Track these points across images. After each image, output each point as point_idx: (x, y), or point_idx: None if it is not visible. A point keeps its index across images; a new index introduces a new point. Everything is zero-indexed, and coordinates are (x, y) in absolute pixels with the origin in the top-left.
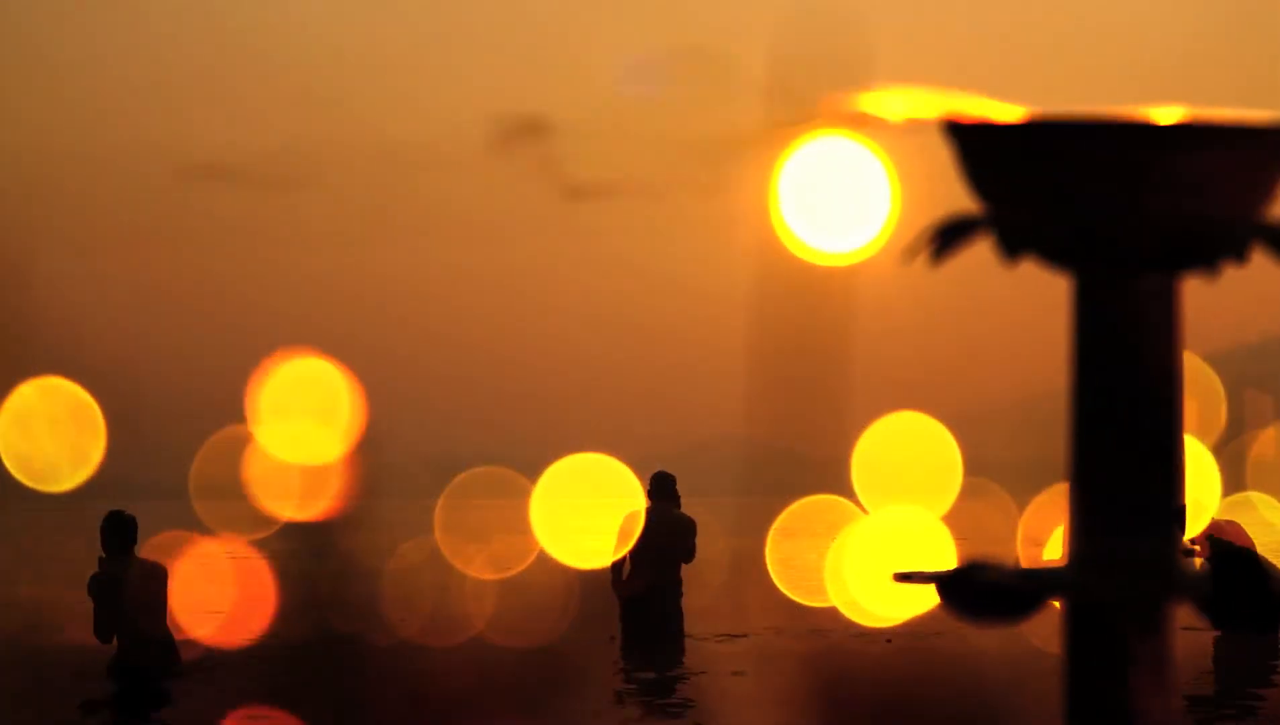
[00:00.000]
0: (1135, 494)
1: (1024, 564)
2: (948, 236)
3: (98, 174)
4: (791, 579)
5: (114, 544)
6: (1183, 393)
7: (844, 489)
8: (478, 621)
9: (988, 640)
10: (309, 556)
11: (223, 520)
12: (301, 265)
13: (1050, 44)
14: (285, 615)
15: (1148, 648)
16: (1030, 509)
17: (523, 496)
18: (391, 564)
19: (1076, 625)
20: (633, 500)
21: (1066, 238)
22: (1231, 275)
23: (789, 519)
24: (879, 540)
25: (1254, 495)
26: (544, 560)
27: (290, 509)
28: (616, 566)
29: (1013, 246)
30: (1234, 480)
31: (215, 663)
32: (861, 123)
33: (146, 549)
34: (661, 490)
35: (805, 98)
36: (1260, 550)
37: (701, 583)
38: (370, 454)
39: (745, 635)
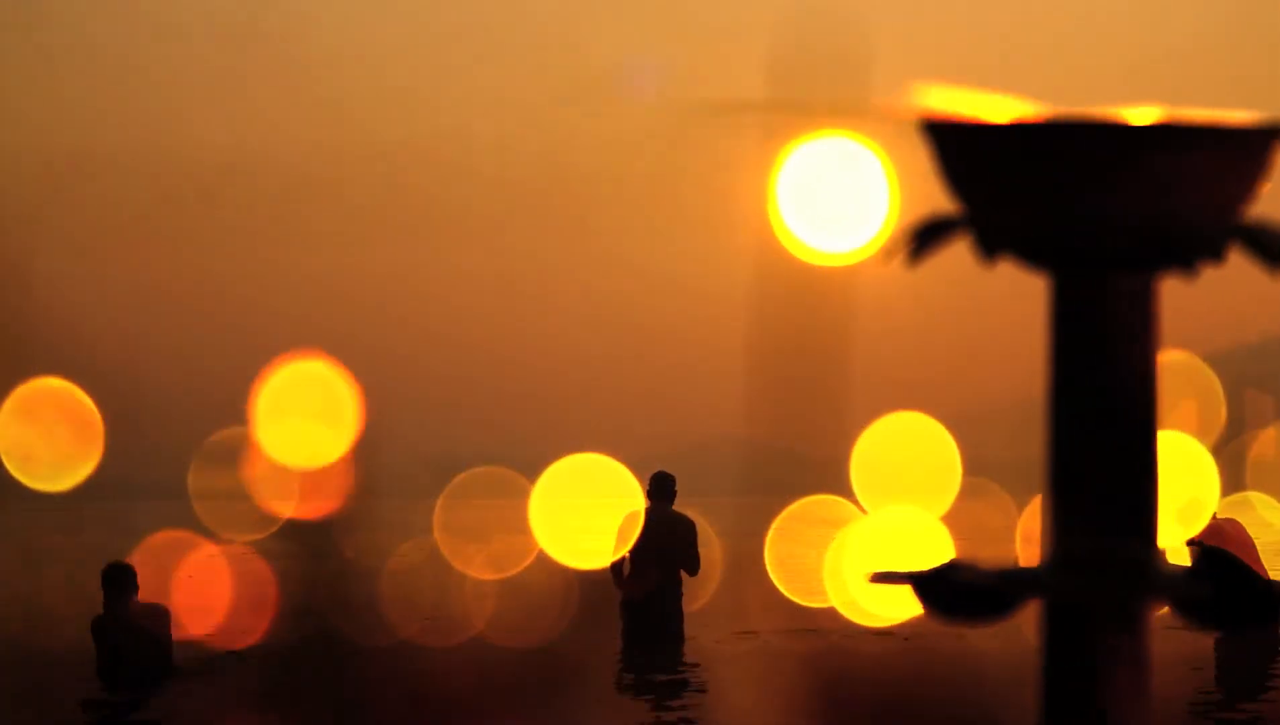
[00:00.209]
0: (1112, 494)
1: (1024, 564)
2: (925, 237)
3: (98, 174)
4: (791, 579)
5: (113, 594)
6: (1159, 393)
7: (843, 489)
8: (477, 621)
9: (988, 640)
10: (308, 557)
11: (222, 520)
12: (301, 265)
13: (1049, 44)
14: (284, 615)
15: (1124, 648)
16: (1030, 509)
17: (522, 496)
18: (391, 564)
19: (1053, 626)
20: (632, 500)
21: (1043, 238)
22: (1231, 275)
23: (788, 519)
24: (878, 540)
25: (1253, 495)
26: (543, 560)
27: (289, 509)
28: (616, 567)
29: (990, 247)
30: (1234, 480)
31: (214, 663)
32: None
33: (146, 548)
34: (661, 490)
35: (804, 96)
36: (1260, 550)
37: (701, 583)
38: (369, 454)
39: (745, 635)
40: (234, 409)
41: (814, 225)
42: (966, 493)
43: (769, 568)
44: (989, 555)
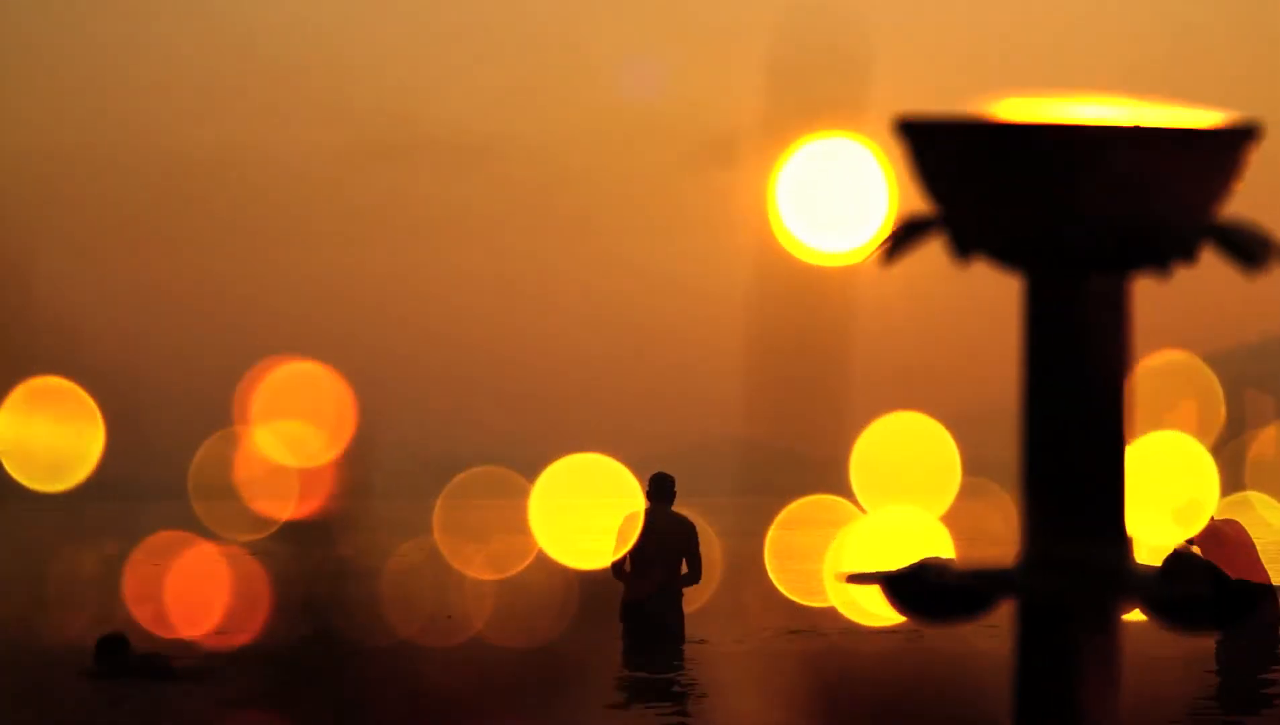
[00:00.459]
0: (1084, 495)
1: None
2: (899, 237)
3: (98, 174)
4: (790, 579)
5: (108, 659)
6: (1132, 393)
7: (843, 489)
8: (476, 622)
9: (988, 640)
10: (307, 557)
11: (221, 520)
12: (301, 265)
13: (1049, 44)
14: (283, 615)
15: (1097, 648)
16: None
17: (521, 497)
18: (390, 564)
19: (1026, 626)
20: (631, 500)
21: (1016, 238)
22: (1232, 275)
23: (788, 519)
24: (878, 540)
25: (1252, 495)
26: (543, 560)
27: (289, 509)
28: (617, 565)
29: (963, 247)
30: (1233, 480)
31: (213, 663)
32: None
33: (144, 548)
34: (661, 491)
35: (804, 96)
36: (1260, 550)
37: (701, 584)
38: (367, 454)
39: (745, 635)
40: (233, 409)
41: (814, 226)
42: (966, 493)
43: (769, 568)
44: (990, 555)
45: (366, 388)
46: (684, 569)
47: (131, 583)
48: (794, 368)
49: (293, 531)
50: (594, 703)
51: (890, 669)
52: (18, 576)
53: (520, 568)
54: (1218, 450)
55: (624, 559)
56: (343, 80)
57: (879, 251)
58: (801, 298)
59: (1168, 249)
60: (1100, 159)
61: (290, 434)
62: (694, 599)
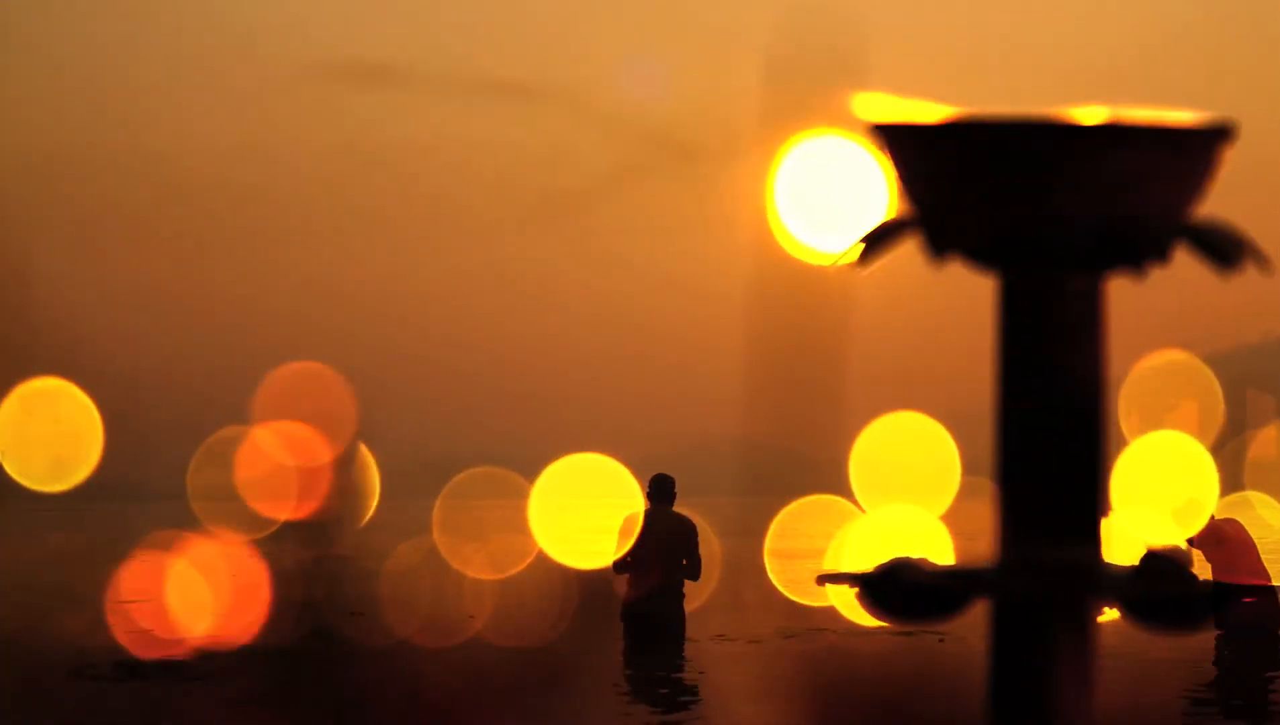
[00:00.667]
0: (1059, 495)
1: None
2: (874, 239)
3: (98, 174)
4: (790, 579)
5: None
6: (1107, 393)
7: (842, 489)
8: (476, 622)
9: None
10: (306, 557)
11: (220, 520)
12: (301, 265)
13: (1047, 43)
14: (282, 615)
15: (1072, 648)
16: None
17: (521, 497)
18: (390, 564)
19: (1001, 625)
20: (630, 500)
21: (991, 238)
22: (1232, 276)
23: (787, 519)
24: (877, 540)
25: (1252, 494)
26: (542, 560)
27: (288, 509)
28: (619, 562)
29: (938, 247)
30: (1233, 480)
31: (213, 663)
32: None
33: (142, 548)
34: (661, 492)
35: (802, 95)
36: (1260, 550)
37: (701, 583)
38: (368, 455)
39: (744, 635)
40: (232, 409)
41: (812, 225)
42: (966, 492)
43: (768, 567)
44: (989, 555)
45: (366, 388)
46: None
47: (130, 583)
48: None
49: (292, 531)
50: (594, 703)
51: (890, 669)
52: (17, 577)
53: (520, 568)
54: (1217, 450)
55: (626, 556)
56: (343, 80)
57: (854, 254)
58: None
59: (1142, 249)
60: (1074, 159)
61: (289, 434)
62: (694, 598)
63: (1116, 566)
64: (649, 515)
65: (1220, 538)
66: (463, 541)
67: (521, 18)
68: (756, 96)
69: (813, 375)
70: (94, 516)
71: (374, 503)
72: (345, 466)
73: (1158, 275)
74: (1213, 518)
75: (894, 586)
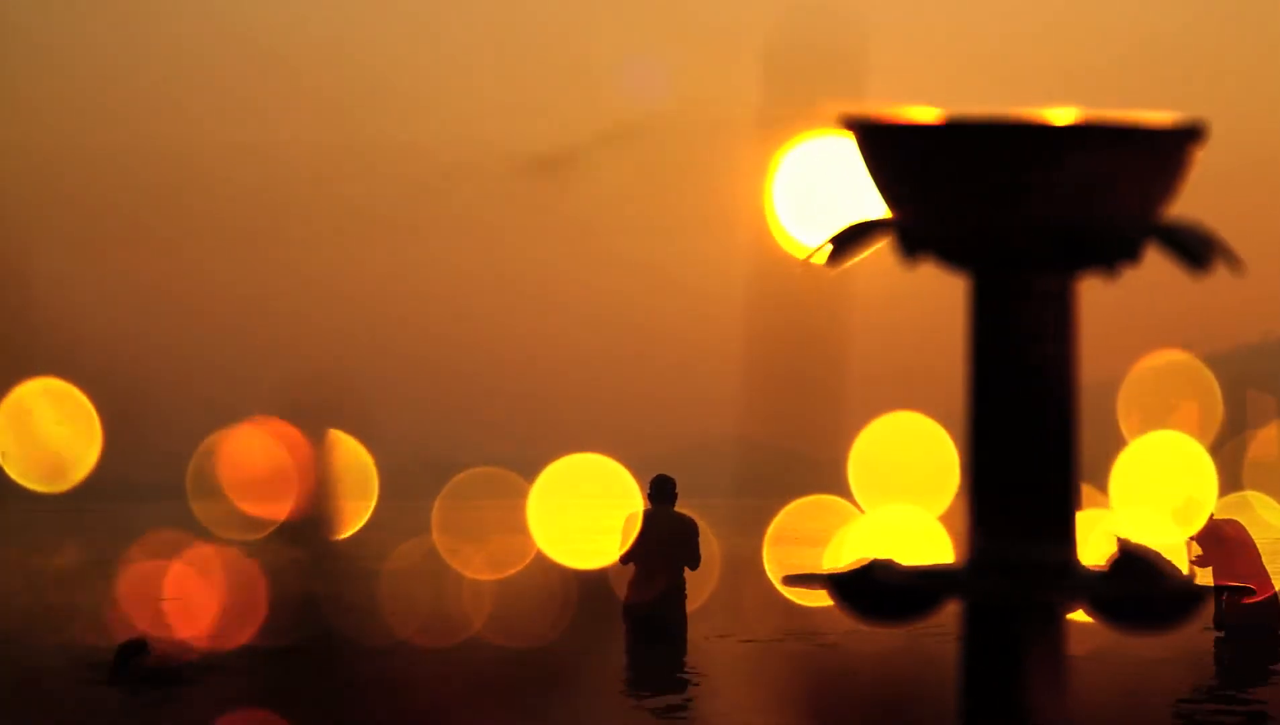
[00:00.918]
0: (1031, 495)
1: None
2: (844, 240)
3: (97, 174)
4: None
5: (124, 670)
6: (1079, 393)
7: (841, 489)
8: (475, 622)
9: None
10: (305, 557)
11: (219, 521)
12: (301, 265)
13: (1047, 42)
14: (281, 616)
15: (1043, 648)
16: None
17: (520, 497)
18: (389, 564)
19: (973, 625)
20: (630, 501)
21: (962, 239)
22: (1231, 276)
23: (786, 519)
24: (876, 540)
25: (1251, 495)
26: (541, 561)
27: (287, 509)
28: (625, 557)
29: (911, 248)
30: (1233, 480)
31: (211, 663)
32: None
33: (141, 548)
34: (662, 493)
35: (802, 96)
36: (1260, 550)
37: (700, 584)
38: (369, 454)
39: (744, 636)
40: (232, 410)
41: (810, 225)
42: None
43: (767, 568)
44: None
45: (366, 388)
46: (686, 568)
47: (128, 583)
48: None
49: (291, 531)
50: (593, 703)
51: (890, 669)
52: (16, 577)
53: (519, 568)
54: (1216, 450)
55: (630, 551)
56: (343, 80)
57: (824, 254)
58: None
59: (1113, 249)
60: (1045, 161)
61: (288, 434)
62: (694, 598)
63: (1088, 567)
64: (651, 516)
65: (1220, 537)
66: (462, 542)
67: (521, 17)
68: (756, 97)
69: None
70: (93, 517)
71: (349, 493)
72: (323, 461)
73: (1158, 275)
74: (1212, 517)
75: (866, 587)
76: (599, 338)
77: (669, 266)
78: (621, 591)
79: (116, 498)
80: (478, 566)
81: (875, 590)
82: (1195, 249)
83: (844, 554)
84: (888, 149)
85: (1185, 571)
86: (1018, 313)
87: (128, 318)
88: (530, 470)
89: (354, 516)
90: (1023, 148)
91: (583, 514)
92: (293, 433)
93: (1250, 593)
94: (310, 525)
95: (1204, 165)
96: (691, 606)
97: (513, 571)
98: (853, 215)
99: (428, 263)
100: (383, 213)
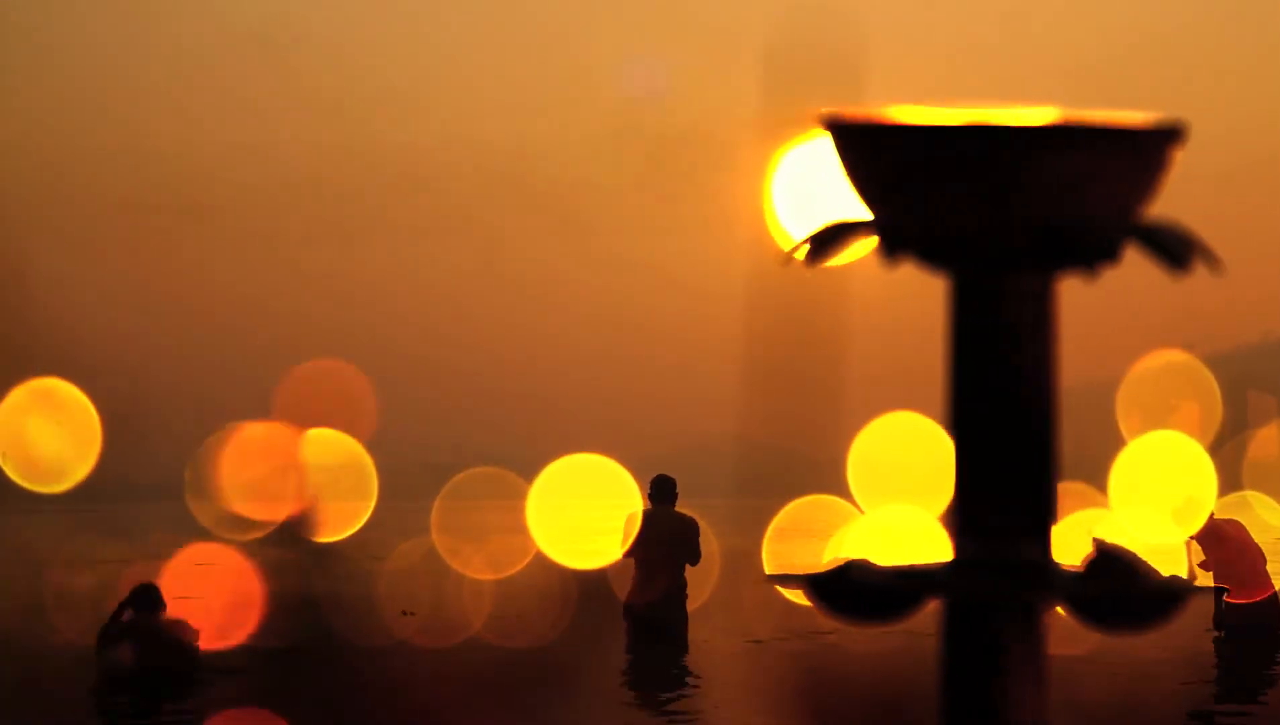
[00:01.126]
0: (1011, 495)
1: (1058, 562)
2: (824, 239)
3: (97, 175)
4: None
5: (143, 605)
6: (1059, 393)
7: (841, 489)
8: (475, 622)
9: None
10: (305, 557)
11: (218, 521)
12: (301, 266)
13: (1046, 42)
14: (281, 616)
15: (1023, 648)
16: None
17: (519, 497)
18: (389, 564)
19: (953, 625)
20: (629, 501)
21: (941, 239)
22: (1234, 276)
23: (786, 519)
24: (876, 540)
25: (1250, 494)
26: (541, 561)
27: (286, 509)
28: (628, 554)
29: (891, 247)
30: (1232, 480)
31: (211, 664)
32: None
33: (140, 549)
34: (663, 493)
35: (802, 96)
36: (1260, 550)
37: (700, 583)
38: (369, 455)
39: (743, 636)
40: (231, 410)
41: (810, 226)
42: None
43: (767, 568)
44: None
45: (365, 388)
46: (686, 568)
47: (128, 583)
48: (792, 367)
49: (290, 531)
50: (593, 703)
51: (890, 669)
52: (16, 577)
53: (518, 568)
54: (1215, 450)
55: (631, 550)
56: (344, 81)
57: (802, 253)
58: (799, 298)
59: (1094, 250)
60: (1025, 160)
61: (287, 434)
62: (694, 598)
63: (1066, 566)
64: (652, 516)
65: (1221, 537)
66: (461, 542)
67: (521, 16)
68: (756, 96)
69: (811, 375)
70: (93, 517)
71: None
72: (345, 467)
73: (1158, 276)
74: (1213, 517)
75: (844, 587)
76: (599, 338)
77: (669, 266)
78: (622, 591)
79: (116, 498)
80: (478, 566)
81: (853, 590)
82: (1175, 249)
83: (843, 554)
84: (865, 149)
85: (1187, 573)
86: (997, 313)
87: (127, 318)
88: (530, 470)
89: (354, 516)
90: (1001, 148)
91: (582, 514)
92: (286, 433)
93: (1225, 592)
94: (303, 524)
95: (1205, 166)
96: (691, 606)
97: (512, 571)
98: (851, 214)
99: (428, 263)
100: (383, 213)
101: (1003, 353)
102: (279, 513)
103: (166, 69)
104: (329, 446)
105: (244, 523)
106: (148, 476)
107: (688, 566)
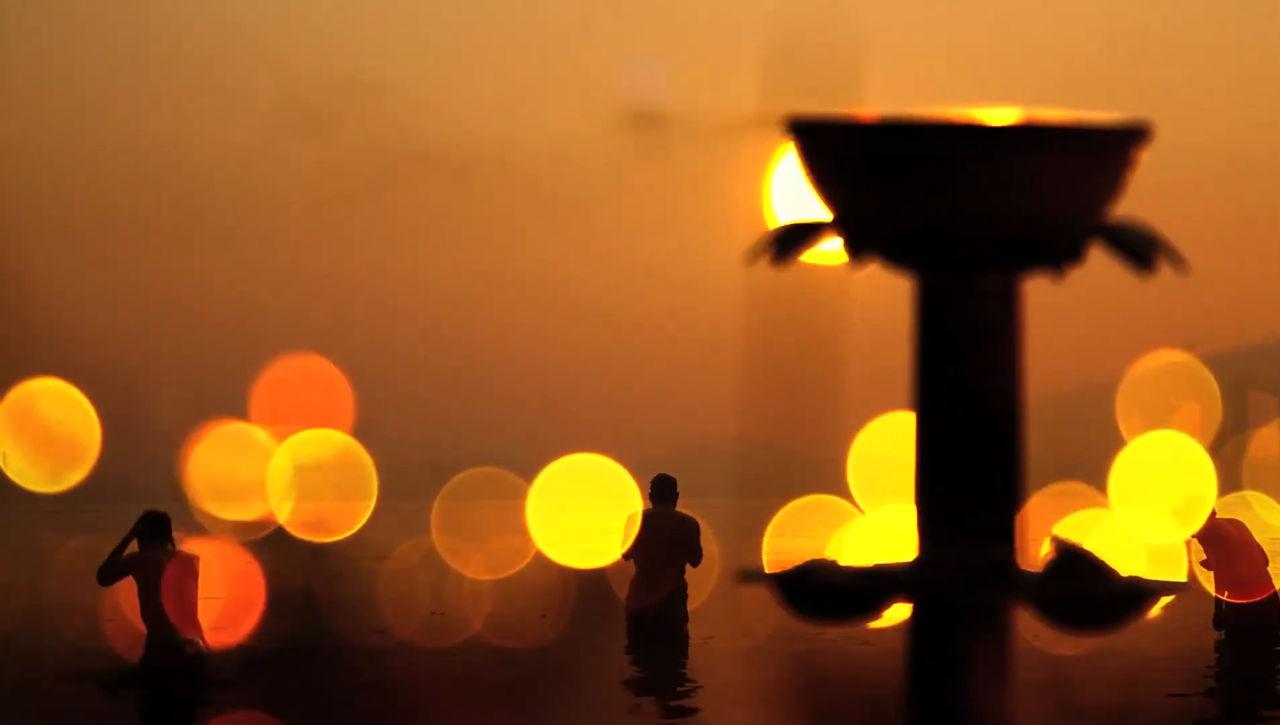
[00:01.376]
0: (976, 496)
1: (1022, 563)
2: (789, 239)
3: (97, 175)
4: None
5: (150, 536)
6: (1025, 393)
7: (841, 489)
8: (475, 622)
9: None
10: (305, 557)
11: (217, 521)
12: (300, 265)
13: (1045, 42)
14: (280, 616)
15: (988, 649)
16: (1028, 507)
17: (519, 497)
18: (388, 564)
19: (919, 626)
20: (629, 501)
21: (906, 239)
22: (1234, 277)
23: (786, 519)
24: (875, 540)
25: (1250, 494)
26: (540, 561)
27: (285, 509)
28: (628, 554)
29: (856, 247)
30: (1232, 480)
31: (212, 663)
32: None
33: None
34: (663, 493)
35: (801, 96)
36: (1260, 550)
37: (700, 583)
38: (368, 455)
39: (743, 636)
40: (230, 410)
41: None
42: None
43: (767, 568)
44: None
45: (366, 388)
46: (687, 568)
47: (127, 584)
48: (792, 368)
49: (290, 532)
50: (593, 703)
51: (890, 669)
52: (15, 578)
53: (518, 568)
54: (1215, 450)
55: (632, 549)
56: (343, 80)
57: (766, 253)
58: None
59: (1057, 249)
60: (988, 159)
61: (286, 434)
62: (694, 598)
63: (1030, 568)
64: (652, 515)
65: (1222, 536)
66: (461, 542)
67: (521, 17)
68: (756, 97)
69: (811, 375)
70: (92, 517)
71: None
72: (349, 467)
73: (1159, 276)
74: (1214, 516)
75: (810, 587)
76: (599, 338)
77: (669, 266)
78: (622, 592)
79: (116, 498)
80: (477, 566)
81: (817, 590)
82: (1139, 249)
83: (843, 554)
84: (829, 148)
85: (1188, 573)
86: (962, 313)
87: (127, 318)
88: (530, 470)
89: (354, 516)
90: (965, 147)
91: (582, 514)
92: (302, 432)
93: (1185, 588)
94: (314, 527)
95: (1205, 167)
96: (691, 606)
97: (512, 571)
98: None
99: (428, 263)
100: (383, 212)
101: (968, 353)
102: (280, 512)
103: (166, 69)
104: (329, 446)
105: (245, 522)
106: (147, 476)
107: (688, 567)
